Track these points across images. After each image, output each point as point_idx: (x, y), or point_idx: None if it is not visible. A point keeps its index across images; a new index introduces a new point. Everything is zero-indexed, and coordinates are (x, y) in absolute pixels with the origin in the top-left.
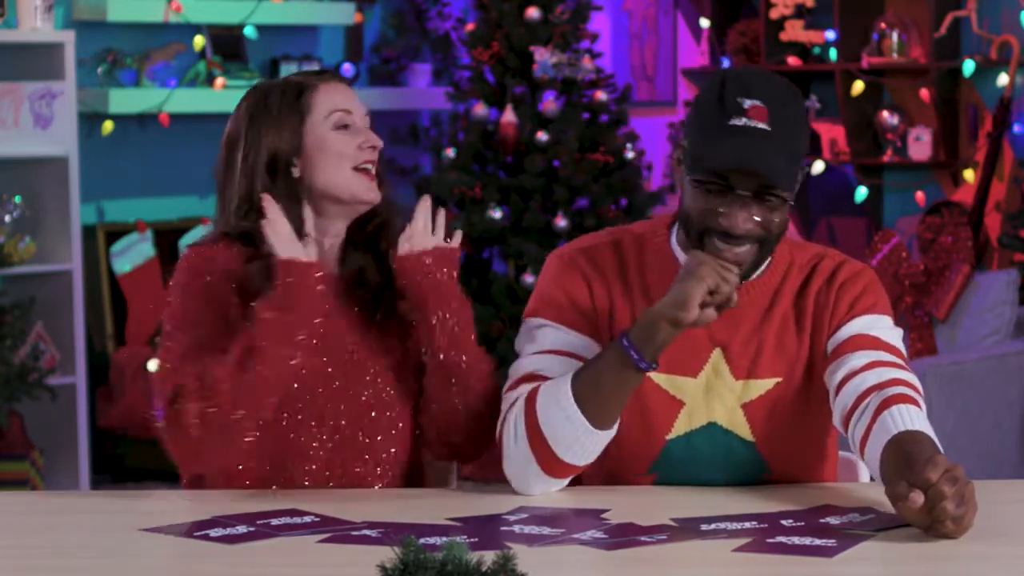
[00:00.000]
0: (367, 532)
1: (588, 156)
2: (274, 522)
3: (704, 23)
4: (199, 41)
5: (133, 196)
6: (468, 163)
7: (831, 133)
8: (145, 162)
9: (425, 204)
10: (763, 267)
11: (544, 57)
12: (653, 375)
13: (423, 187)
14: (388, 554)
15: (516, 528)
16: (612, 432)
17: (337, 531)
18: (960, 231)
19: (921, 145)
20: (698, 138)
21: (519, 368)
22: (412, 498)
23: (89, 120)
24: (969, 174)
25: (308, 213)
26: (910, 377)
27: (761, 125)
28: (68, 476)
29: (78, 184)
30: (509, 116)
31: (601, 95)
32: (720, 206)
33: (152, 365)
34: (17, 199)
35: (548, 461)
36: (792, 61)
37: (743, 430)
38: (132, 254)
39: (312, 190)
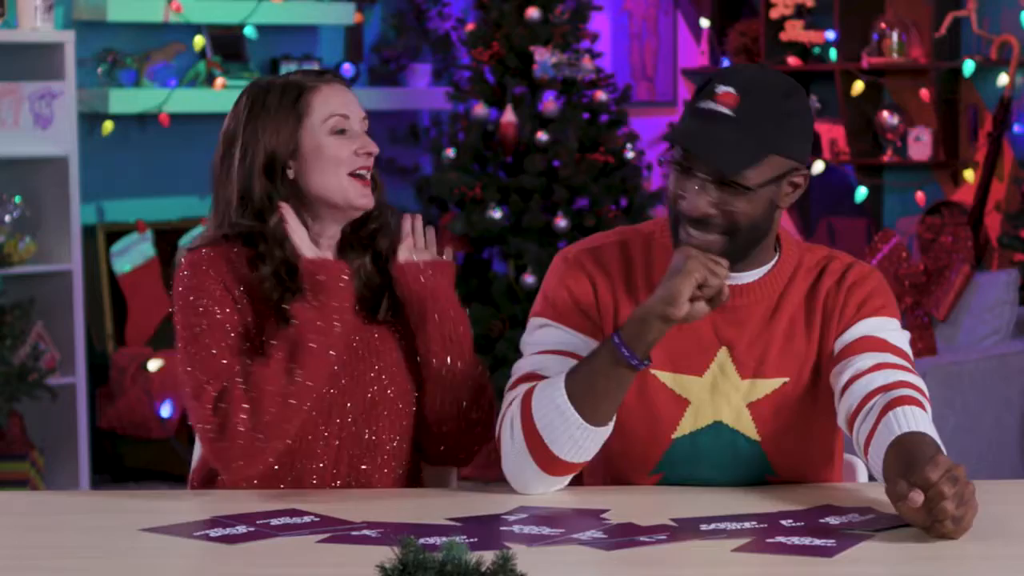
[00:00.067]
0: (367, 532)
1: (588, 156)
2: (274, 522)
3: (704, 23)
4: (199, 41)
5: (133, 196)
6: (468, 163)
7: (831, 133)
8: (145, 162)
9: (415, 223)
10: (769, 266)
11: (544, 57)
12: (659, 374)
13: (423, 187)
14: (388, 554)
15: (516, 528)
16: (608, 429)
17: (337, 531)
18: (960, 231)
19: (921, 145)
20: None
21: (520, 368)
22: (412, 498)
23: (89, 120)
24: (969, 174)
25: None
26: (916, 380)
27: (724, 110)
28: (68, 476)
29: (78, 184)
30: (509, 116)
31: (601, 95)
32: (682, 189)
33: (153, 365)
34: (17, 199)
35: (545, 459)
36: (792, 61)
37: (749, 429)
38: (132, 254)
39: (307, 192)
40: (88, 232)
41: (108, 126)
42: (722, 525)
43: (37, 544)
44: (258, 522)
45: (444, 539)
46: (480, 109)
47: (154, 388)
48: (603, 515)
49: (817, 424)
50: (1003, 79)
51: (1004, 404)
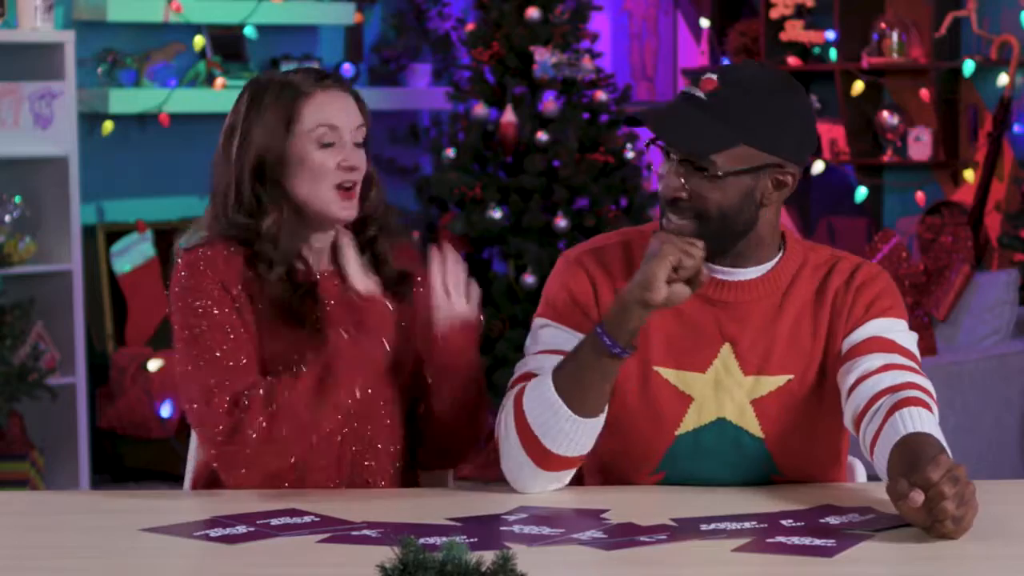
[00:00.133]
0: (367, 532)
1: (588, 156)
2: (274, 522)
3: (704, 23)
4: (199, 41)
5: (133, 196)
6: (468, 163)
7: (831, 133)
8: (145, 162)
9: (448, 263)
10: (771, 264)
11: (544, 57)
12: (662, 370)
13: (423, 187)
14: (388, 554)
15: (516, 528)
16: (599, 421)
17: (337, 531)
18: (960, 231)
19: (921, 145)
20: None
21: (520, 368)
22: (412, 498)
23: (89, 120)
24: (969, 174)
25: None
26: (924, 381)
27: (699, 93)
28: (68, 476)
29: (78, 184)
30: (509, 116)
31: (601, 95)
32: (662, 170)
33: (153, 365)
34: (17, 199)
35: (539, 454)
36: (792, 61)
37: (752, 426)
38: (132, 254)
39: (294, 198)
40: (88, 232)
41: (108, 126)
42: (722, 525)
43: (37, 544)
44: (258, 522)
45: (444, 539)
46: (480, 109)
47: (154, 388)
48: (603, 515)
49: (822, 423)
50: (1003, 79)
51: (1004, 404)
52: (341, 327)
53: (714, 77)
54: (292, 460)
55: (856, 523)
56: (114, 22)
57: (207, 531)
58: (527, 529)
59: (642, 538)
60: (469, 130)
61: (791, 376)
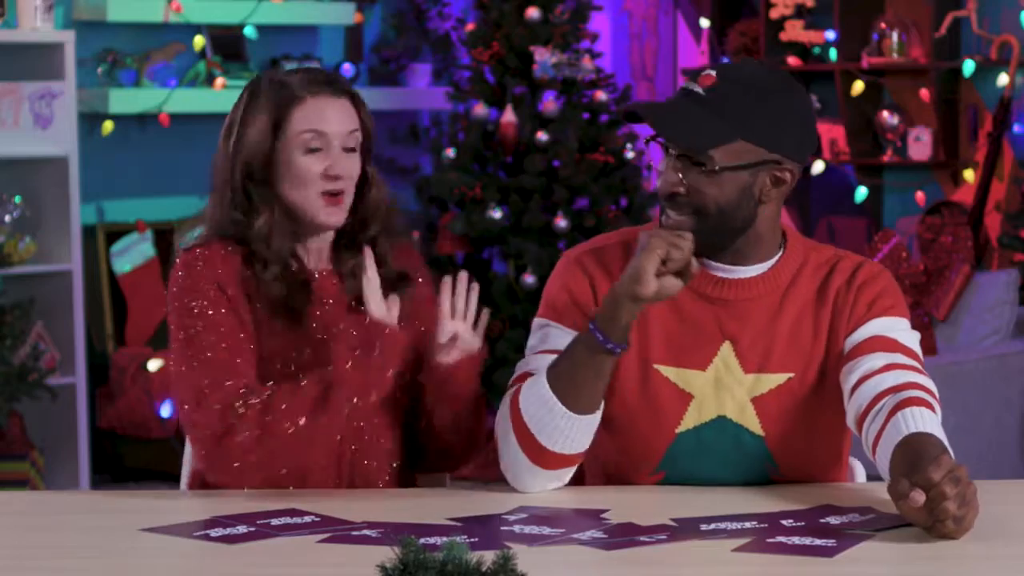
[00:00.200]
0: (367, 532)
1: (588, 156)
2: (274, 522)
3: (704, 23)
4: (199, 41)
5: (133, 196)
6: (468, 163)
7: (831, 133)
8: (145, 162)
9: (459, 296)
10: (772, 262)
11: (544, 57)
12: (662, 368)
13: (423, 187)
14: (388, 554)
15: (516, 528)
16: (595, 418)
17: (337, 531)
18: (960, 231)
19: (921, 145)
20: None
21: (520, 368)
22: (412, 498)
23: (89, 120)
24: (969, 174)
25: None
26: (926, 381)
27: (697, 89)
28: (68, 476)
29: (78, 184)
30: (509, 116)
31: (601, 95)
32: (661, 166)
33: (153, 365)
34: (17, 199)
35: (535, 452)
36: (792, 61)
37: (753, 424)
38: (132, 254)
39: (283, 200)
40: (88, 232)
41: (108, 126)
42: (722, 525)
43: (37, 544)
44: (258, 522)
45: (444, 539)
46: (480, 109)
47: (154, 388)
48: (603, 515)
49: (823, 422)
50: (1003, 79)
51: (1004, 404)
52: (347, 344)
53: (713, 73)
54: (283, 471)
55: (856, 523)
56: (114, 22)
57: (207, 531)
58: (527, 529)
59: (642, 538)
60: (469, 130)
61: (791, 374)
